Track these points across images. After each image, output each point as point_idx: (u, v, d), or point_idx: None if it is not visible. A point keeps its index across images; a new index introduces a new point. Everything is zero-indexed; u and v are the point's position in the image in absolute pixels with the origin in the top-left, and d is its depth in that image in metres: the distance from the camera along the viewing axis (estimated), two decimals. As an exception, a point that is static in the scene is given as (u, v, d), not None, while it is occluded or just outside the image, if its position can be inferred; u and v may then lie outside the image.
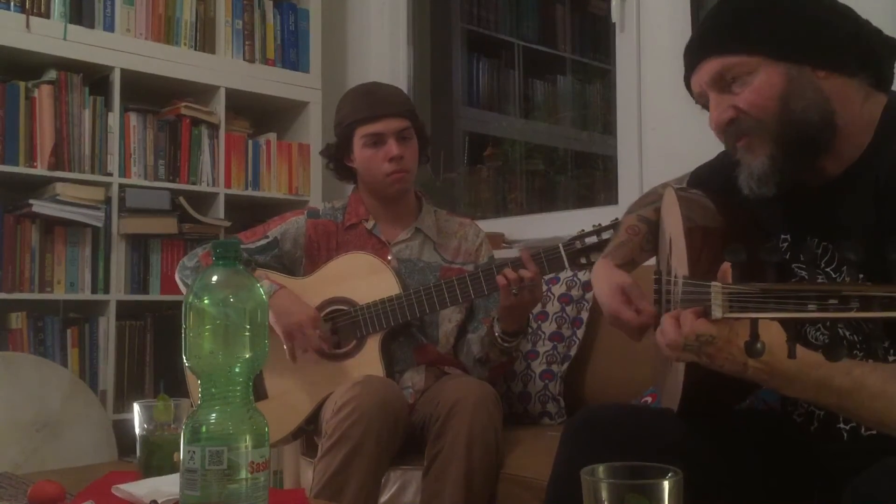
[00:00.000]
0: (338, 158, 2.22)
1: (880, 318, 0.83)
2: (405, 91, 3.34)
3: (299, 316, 2.01)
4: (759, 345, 0.91)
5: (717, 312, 0.92)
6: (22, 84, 2.64)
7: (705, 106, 1.28)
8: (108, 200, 2.73)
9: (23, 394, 2.38)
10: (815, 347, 1.11)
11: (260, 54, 3.14)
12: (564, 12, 4.15)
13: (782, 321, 0.90)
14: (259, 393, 2.09)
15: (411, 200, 2.24)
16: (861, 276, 0.90)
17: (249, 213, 3.13)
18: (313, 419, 2.06)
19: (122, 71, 2.77)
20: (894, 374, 1.03)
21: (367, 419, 1.80)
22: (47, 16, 2.66)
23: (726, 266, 0.96)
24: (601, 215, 2.06)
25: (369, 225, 2.19)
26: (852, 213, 1.18)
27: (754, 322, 0.90)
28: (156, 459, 1.38)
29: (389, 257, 2.15)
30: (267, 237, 2.20)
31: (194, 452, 0.99)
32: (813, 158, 1.20)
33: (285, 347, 2.04)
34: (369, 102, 2.12)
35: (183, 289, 2.20)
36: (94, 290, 2.72)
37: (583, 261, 1.90)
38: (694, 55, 1.25)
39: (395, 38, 3.40)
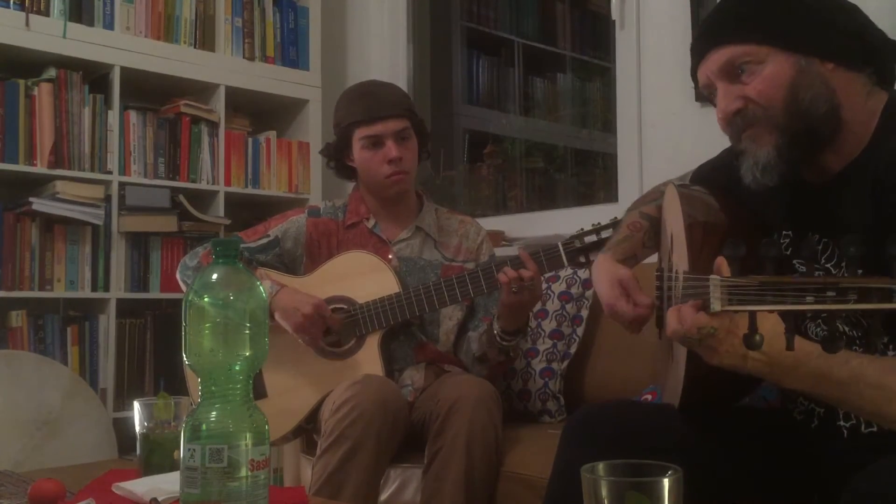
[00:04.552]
0: (338, 158, 2.22)
1: (878, 311, 0.83)
2: (405, 89, 3.34)
3: (305, 308, 2.01)
4: (757, 337, 0.91)
5: (715, 305, 0.92)
6: (21, 82, 2.63)
7: (710, 98, 1.28)
8: (107, 198, 2.73)
9: (23, 392, 2.38)
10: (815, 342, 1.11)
11: (259, 52, 3.14)
12: (564, 10, 4.15)
13: (781, 314, 0.90)
14: (258, 391, 2.09)
15: (412, 199, 2.24)
16: (860, 271, 0.90)
17: (249, 211, 3.13)
18: (313, 417, 2.06)
19: (122, 69, 2.77)
20: (892, 366, 1.03)
21: (366, 418, 1.80)
22: (47, 14, 2.66)
23: (721, 260, 0.96)
24: (601, 213, 2.06)
25: (370, 224, 2.19)
26: (852, 209, 1.18)
27: (753, 314, 0.91)
28: (156, 457, 1.38)
29: (390, 256, 2.15)
30: (268, 236, 2.20)
31: (194, 450, 0.99)
32: (817, 151, 1.20)
33: (301, 341, 2.04)
34: (367, 104, 2.11)
35: (184, 288, 2.20)
36: (94, 289, 2.72)
37: (582, 259, 1.90)
38: (702, 45, 1.25)
39: (394, 36, 3.40)
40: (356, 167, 2.18)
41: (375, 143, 2.10)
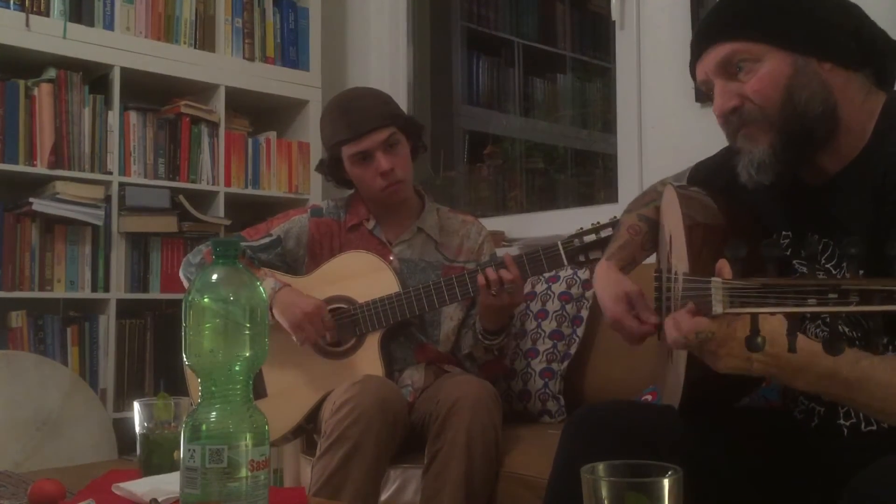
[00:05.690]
0: (333, 174, 2.22)
1: (880, 312, 0.83)
2: (405, 89, 3.34)
3: (304, 307, 2.01)
4: (759, 339, 0.91)
5: (717, 308, 0.92)
6: (21, 82, 2.63)
7: (708, 94, 1.28)
8: (107, 199, 2.73)
9: (23, 392, 2.38)
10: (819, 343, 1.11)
11: (260, 52, 3.14)
12: (564, 10, 4.15)
13: (783, 315, 0.90)
14: (258, 391, 2.09)
15: (412, 200, 2.24)
16: (861, 271, 0.90)
17: (249, 211, 3.13)
18: (313, 417, 2.06)
19: (122, 69, 2.77)
20: None
21: (366, 419, 1.80)
22: (47, 14, 2.66)
23: (723, 262, 0.96)
24: (601, 213, 2.06)
25: (370, 225, 2.19)
26: (852, 210, 1.18)
27: (755, 317, 0.90)
28: (156, 458, 1.38)
29: (391, 258, 2.15)
30: (270, 235, 2.20)
31: (194, 451, 0.99)
32: (813, 150, 1.20)
33: (294, 339, 2.04)
34: (349, 121, 2.08)
35: (187, 286, 2.20)
36: (94, 289, 2.72)
37: (581, 258, 1.90)
38: (701, 42, 1.25)
39: (394, 36, 3.40)
40: (352, 180, 2.18)
41: (365, 157, 2.09)
